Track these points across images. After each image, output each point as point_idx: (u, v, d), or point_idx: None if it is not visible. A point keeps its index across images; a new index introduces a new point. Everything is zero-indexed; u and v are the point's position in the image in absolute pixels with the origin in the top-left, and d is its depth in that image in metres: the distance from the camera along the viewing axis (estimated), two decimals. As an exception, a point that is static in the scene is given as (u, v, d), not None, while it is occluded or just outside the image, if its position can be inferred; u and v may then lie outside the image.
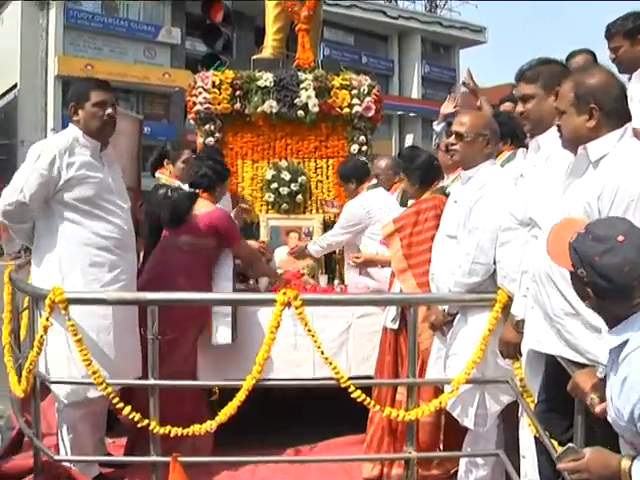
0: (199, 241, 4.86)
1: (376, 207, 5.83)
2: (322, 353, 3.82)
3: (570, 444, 2.51)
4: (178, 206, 4.97)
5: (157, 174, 6.03)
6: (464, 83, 5.97)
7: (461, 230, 4.02)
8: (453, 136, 4.15)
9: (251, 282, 5.87)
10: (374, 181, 6.17)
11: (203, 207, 5.01)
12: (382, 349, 4.81)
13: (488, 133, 4.13)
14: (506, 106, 5.66)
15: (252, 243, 5.73)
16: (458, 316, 4.11)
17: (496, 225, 3.76)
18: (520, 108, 3.59)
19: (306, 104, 6.58)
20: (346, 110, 6.70)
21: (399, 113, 38.78)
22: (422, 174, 4.76)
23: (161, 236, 5.12)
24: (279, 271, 6.14)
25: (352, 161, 6.26)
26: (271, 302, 3.90)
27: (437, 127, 6.35)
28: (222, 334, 4.82)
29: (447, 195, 4.57)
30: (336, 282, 6.29)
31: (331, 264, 6.60)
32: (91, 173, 4.33)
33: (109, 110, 4.36)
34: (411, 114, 39.00)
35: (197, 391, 4.91)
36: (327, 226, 6.59)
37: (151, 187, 5.79)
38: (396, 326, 4.70)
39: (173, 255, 4.89)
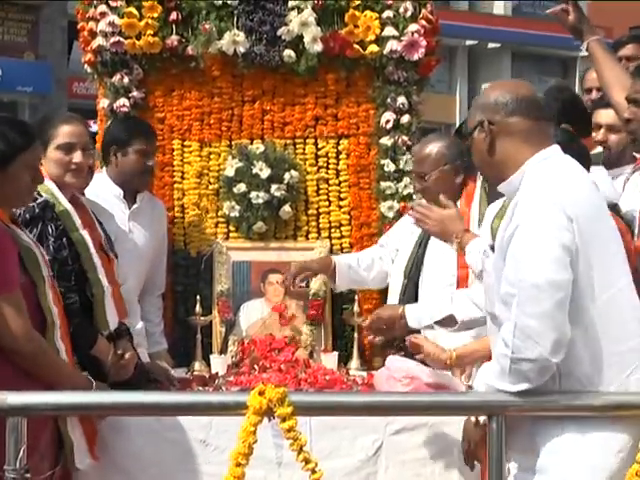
0: None
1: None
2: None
3: None
4: None
5: None
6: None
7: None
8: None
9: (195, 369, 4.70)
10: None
11: None
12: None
13: None
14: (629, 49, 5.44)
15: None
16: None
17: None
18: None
19: (299, 38, 5.33)
20: (372, 49, 5.35)
21: (468, 43, 28.95)
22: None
23: None
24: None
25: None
26: (236, 409, 3.11)
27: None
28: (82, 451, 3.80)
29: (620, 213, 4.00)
30: (353, 364, 5.00)
31: (342, 331, 5.24)
32: None
33: None
34: (492, 45, 29.13)
35: None
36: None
37: None
38: None
39: None
